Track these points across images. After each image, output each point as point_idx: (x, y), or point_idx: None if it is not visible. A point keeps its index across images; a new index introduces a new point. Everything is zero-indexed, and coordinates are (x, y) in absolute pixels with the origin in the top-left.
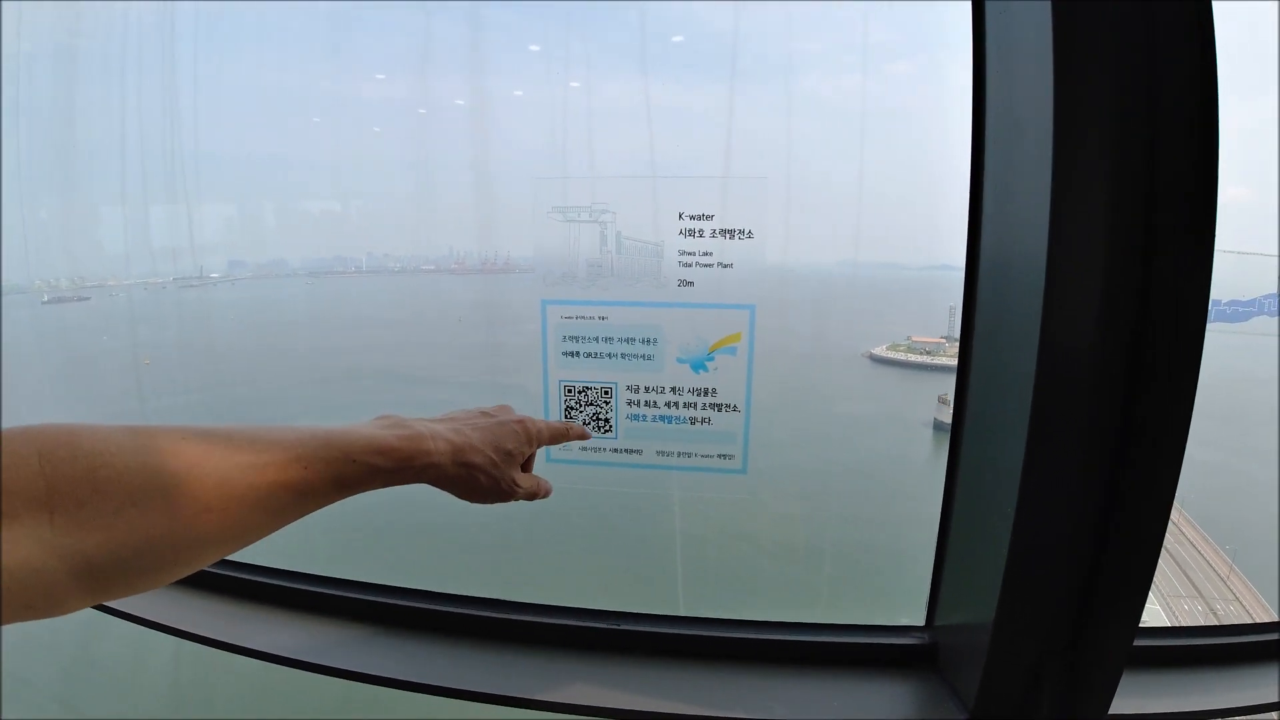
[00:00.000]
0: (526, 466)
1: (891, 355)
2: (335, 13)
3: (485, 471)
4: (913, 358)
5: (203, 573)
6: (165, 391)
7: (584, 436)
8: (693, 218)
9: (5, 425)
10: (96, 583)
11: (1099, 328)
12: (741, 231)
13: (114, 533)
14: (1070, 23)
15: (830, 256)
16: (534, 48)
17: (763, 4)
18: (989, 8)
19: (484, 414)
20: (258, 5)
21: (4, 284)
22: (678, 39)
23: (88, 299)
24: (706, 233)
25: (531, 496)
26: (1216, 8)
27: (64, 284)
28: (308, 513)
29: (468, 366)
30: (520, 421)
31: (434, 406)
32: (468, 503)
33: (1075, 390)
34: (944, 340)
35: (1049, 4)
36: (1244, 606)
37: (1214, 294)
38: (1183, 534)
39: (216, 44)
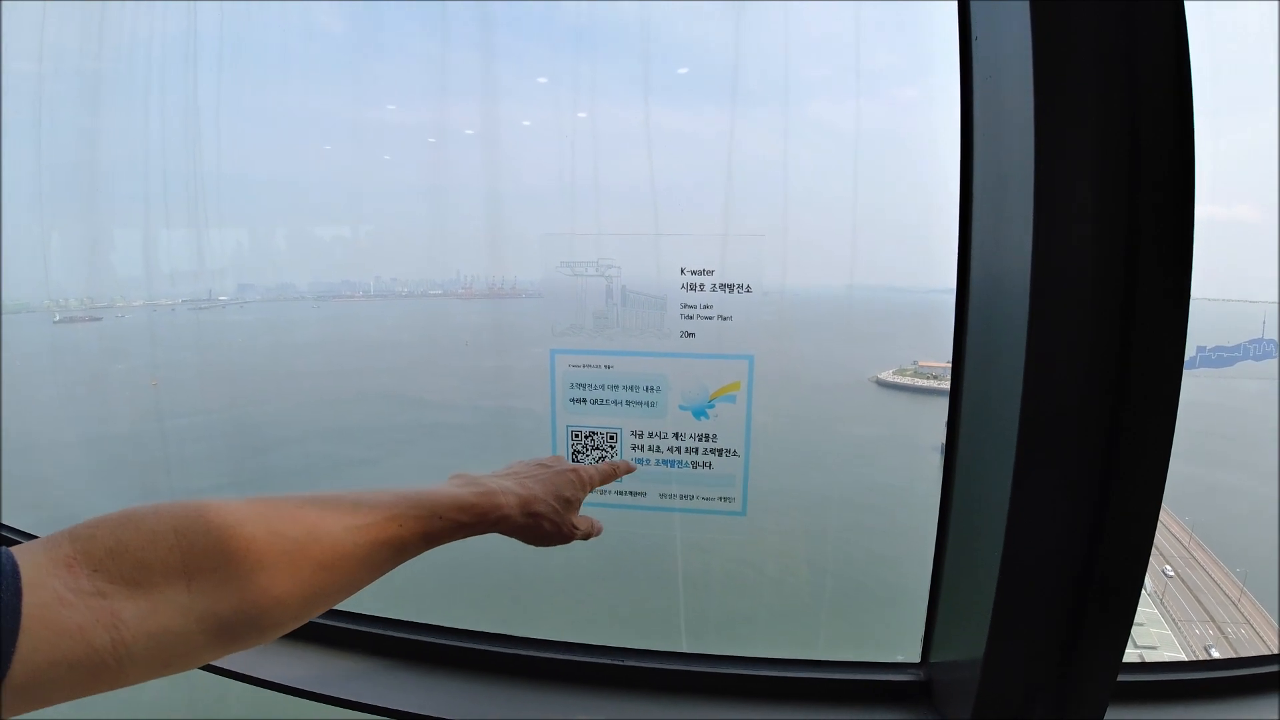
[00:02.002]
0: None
1: (898, 380)
2: (351, 42)
3: (549, 519)
4: (919, 382)
5: None
6: (173, 413)
7: (630, 469)
8: (694, 272)
9: (16, 440)
10: (228, 639)
11: (1085, 358)
12: (741, 286)
13: (245, 595)
14: (1051, 50)
15: (837, 280)
16: (541, 79)
17: (767, 31)
18: (976, 49)
19: (541, 465)
20: (278, 34)
21: (17, 303)
22: (683, 70)
23: (99, 319)
24: (708, 286)
25: (586, 537)
26: (1218, 33)
27: (73, 304)
28: (400, 563)
29: (474, 390)
30: (574, 470)
31: (442, 430)
32: (463, 538)
33: (1060, 429)
34: (950, 365)
35: (1030, 37)
36: (1255, 629)
37: (1199, 340)
38: (1194, 558)
39: (234, 72)
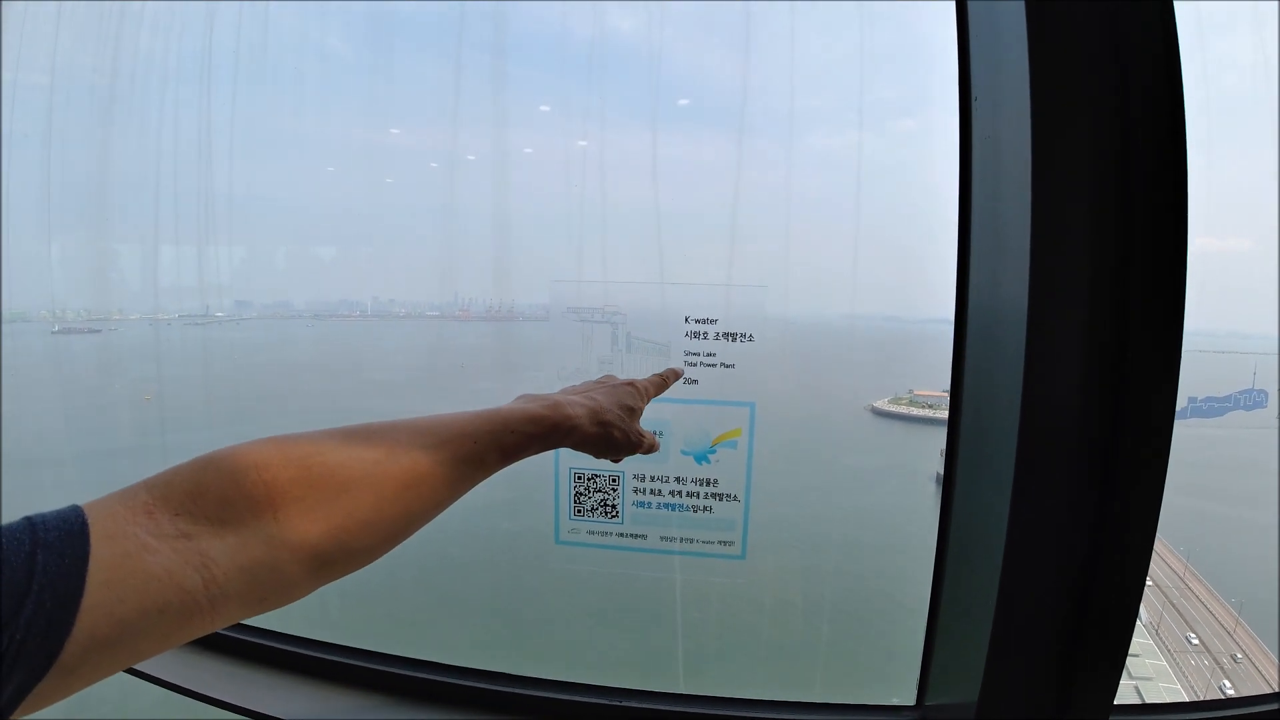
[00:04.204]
0: None
1: (894, 409)
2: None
3: (618, 427)
4: (915, 411)
5: (218, 635)
6: (169, 428)
7: (679, 374)
8: (698, 320)
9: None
10: (322, 566)
11: (1080, 392)
12: (744, 335)
13: (333, 518)
14: (1047, 88)
15: (834, 309)
16: (544, 108)
17: (771, 63)
18: (974, 86)
19: (599, 383)
20: (288, 55)
21: (14, 312)
22: (684, 102)
23: (98, 331)
24: (711, 335)
25: (650, 449)
26: (1219, 67)
27: (71, 315)
28: (480, 480)
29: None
30: (630, 383)
31: None
32: (538, 452)
33: (1055, 466)
34: (945, 394)
35: (1026, 60)
36: (1251, 660)
37: (1190, 391)
38: (1189, 589)
39: (242, 90)
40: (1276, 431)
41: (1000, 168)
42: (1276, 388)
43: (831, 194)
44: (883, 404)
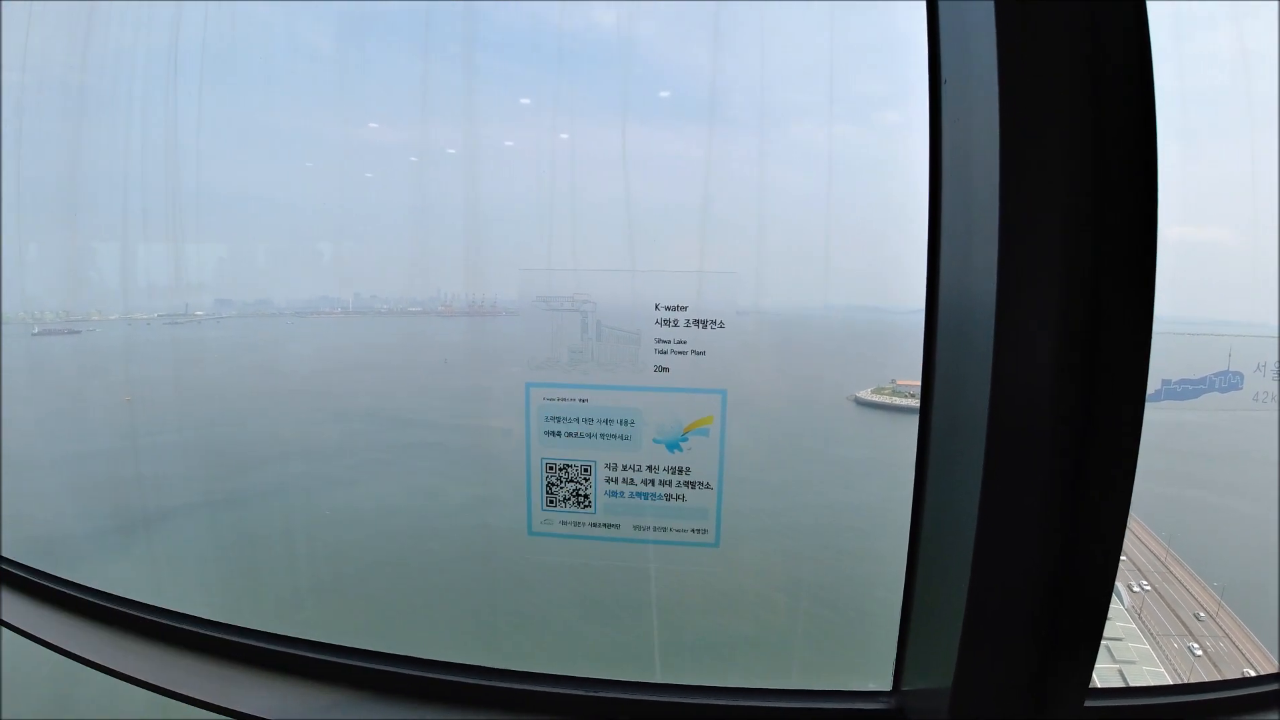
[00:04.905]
0: None
1: (876, 399)
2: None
3: None
4: (897, 401)
5: (188, 632)
6: (149, 430)
7: None
8: (668, 308)
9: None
10: None
11: (1050, 381)
12: (714, 322)
13: None
14: (1016, 83)
15: (815, 299)
16: (524, 100)
17: (751, 56)
18: (944, 89)
19: None
20: (259, 50)
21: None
22: (664, 94)
23: (78, 332)
24: (681, 322)
25: None
26: (1200, 54)
27: (50, 317)
28: None
29: (455, 410)
30: None
31: (422, 449)
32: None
33: (1025, 455)
34: None
35: (996, 77)
36: (1234, 643)
37: (1165, 373)
38: (1170, 572)
39: (217, 87)
40: (1277, 413)
41: (970, 153)
42: (1277, 372)
43: (817, 187)
44: (866, 394)
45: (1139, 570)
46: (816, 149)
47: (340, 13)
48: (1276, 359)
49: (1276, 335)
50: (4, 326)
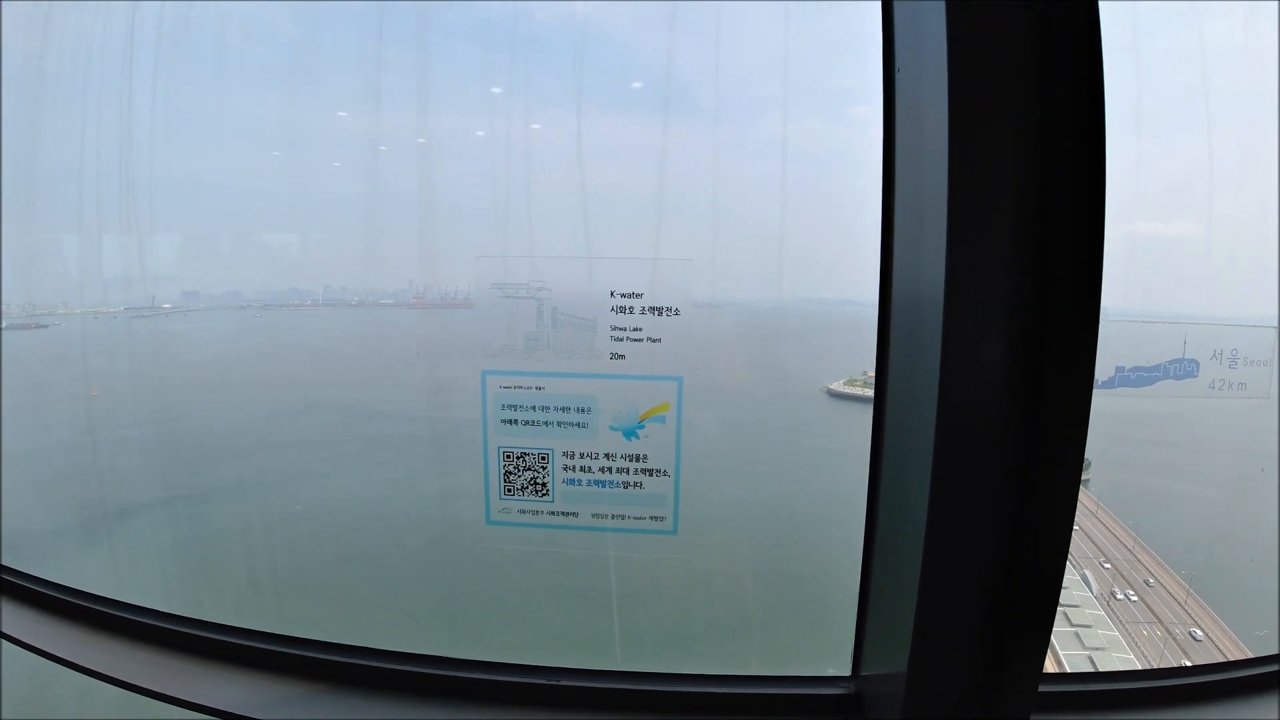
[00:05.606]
0: None
1: (849, 390)
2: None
3: None
4: (868, 392)
5: (150, 626)
6: (115, 424)
7: None
8: (624, 295)
9: None
10: None
11: (999, 371)
12: (670, 309)
13: None
14: (966, 77)
15: (790, 293)
16: (495, 90)
17: (726, 49)
18: (898, 80)
19: None
20: (221, 37)
21: None
22: (637, 85)
23: (45, 326)
24: (637, 309)
25: None
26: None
27: (15, 311)
28: None
29: (426, 401)
30: None
31: (395, 442)
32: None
33: (975, 442)
34: None
35: (946, 65)
36: (1205, 630)
37: (1118, 360)
38: (1139, 560)
39: (178, 74)
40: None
41: (922, 143)
42: (1277, 363)
43: (793, 181)
44: (838, 386)
45: (1118, 572)
46: (789, 142)
47: None
48: (1233, 347)
49: (1236, 325)
50: None
